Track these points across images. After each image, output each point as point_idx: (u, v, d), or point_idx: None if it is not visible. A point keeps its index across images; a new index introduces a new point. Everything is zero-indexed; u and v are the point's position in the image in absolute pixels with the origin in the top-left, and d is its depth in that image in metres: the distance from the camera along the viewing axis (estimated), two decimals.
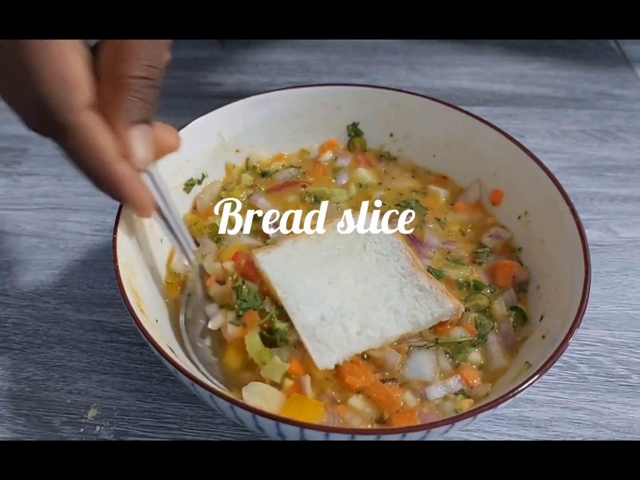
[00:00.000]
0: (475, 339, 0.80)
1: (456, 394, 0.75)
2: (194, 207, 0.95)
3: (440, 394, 0.75)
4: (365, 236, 0.86)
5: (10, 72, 0.60)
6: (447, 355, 0.78)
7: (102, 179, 0.65)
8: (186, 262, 0.81)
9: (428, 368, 0.76)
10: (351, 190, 0.98)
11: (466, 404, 0.73)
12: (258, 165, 1.02)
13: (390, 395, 0.74)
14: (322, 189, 0.97)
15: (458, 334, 0.79)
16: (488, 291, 0.85)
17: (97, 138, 0.62)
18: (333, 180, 1.01)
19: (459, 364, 0.78)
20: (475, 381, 0.76)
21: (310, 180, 1.00)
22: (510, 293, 0.85)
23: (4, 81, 0.62)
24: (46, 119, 0.61)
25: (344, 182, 1.00)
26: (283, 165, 1.02)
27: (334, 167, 1.03)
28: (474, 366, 0.78)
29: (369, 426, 0.72)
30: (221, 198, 0.95)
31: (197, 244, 0.87)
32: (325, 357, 0.74)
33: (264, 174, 1.00)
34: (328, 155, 1.04)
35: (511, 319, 0.82)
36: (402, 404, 0.74)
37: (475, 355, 0.79)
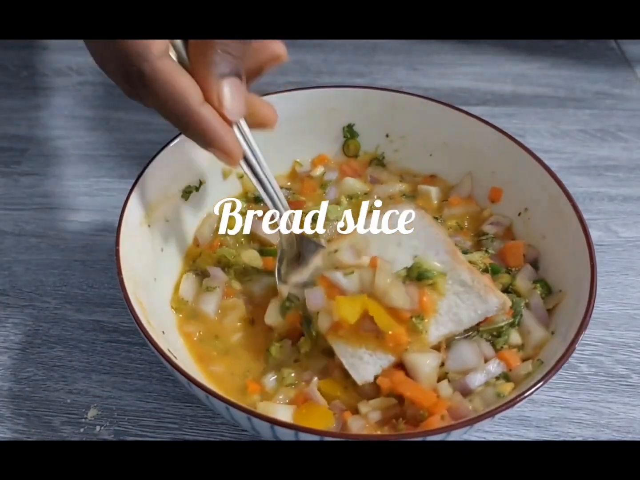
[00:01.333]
0: (512, 319, 0.79)
1: (497, 378, 0.73)
2: (196, 244, 0.93)
3: (482, 381, 0.73)
4: (399, 233, 0.81)
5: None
6: (489, 342, 0.77)
7: (188, 122, 0.67)
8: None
9: (472, 356, 0.75)
10: (343, 203, 0.97)
11: (508, 388, 0.71)
12: (250, 191, 0.99)
13: (423, 390, 0.72)
14: (316, 210, 0.94)
15: (499, 317, 0.78)
16: (505, 272, 0.85)
17: (178, 80, 0.65)
18: (324, 194, 1.00)
19: (501, 348, 0.77)
20: (514, 362, 0.75)
21: (302, 199, 0.98)
22: (528, 268, 0.85)
23: (98, 49, 0.69)
24: (130, 71, 0.65)
25: (332, 195, 0.99)
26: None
27: (322, 182, 1.01)
28: (514, 348, 0.77)
29: (373, 428, 0.71)
30: (219, 229, 0.93)
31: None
32: (361, 371, 0.72)
33: (257, 200, 0.98)
34: (319, 170, 1.02)
35: (538, 292, 0.82)
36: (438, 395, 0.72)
37: (515, 337, 0.78)
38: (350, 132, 1.04)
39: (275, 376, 0.77)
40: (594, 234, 1.04)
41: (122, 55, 0.64)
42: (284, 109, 0.99)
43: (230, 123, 0.69)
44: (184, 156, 0.91)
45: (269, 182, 0.77)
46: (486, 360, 0.75)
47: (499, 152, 0.93)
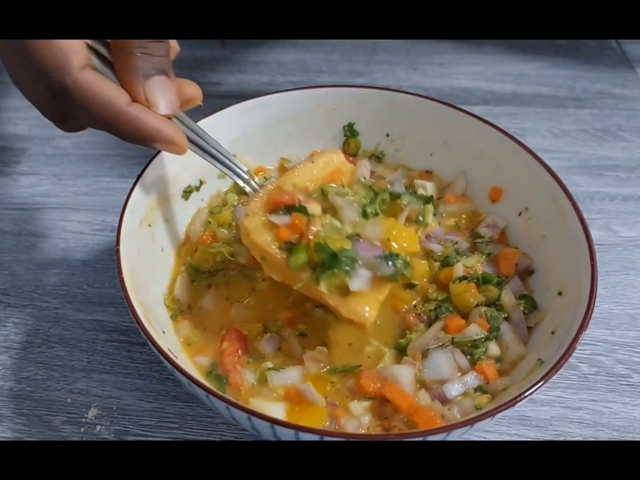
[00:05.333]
0: (489, 333, 0.79)
1: (475, 390, 0.75)
2: (188, 241, 0.93)
3: (459, 391, 0.74)
4: None
5: (15, 56, 0.67)
6: (465, 354, 0.78)
7: (120, 125, 0.67)
8: (241, 183, 0.81)
9: (446, 366, 0.76)
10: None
11: (484, 400, 0.73)
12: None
13: (406, 394, 0.73)
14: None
15: (473, 331, 0.79)
16: (496, 282, 0.85)
17: (102, 88, 0.66)
18: None
19: (479, 359, 0.77)
20: (492, 376, 0.76)
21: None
22: (516, 281, 0.86)
23: (15, 68, 0.70)
24: (52, 87, 0.66)
25: None
26: (264, 177, 1.00)
27: None
28: (492, 360, 0.78)
29: (365, 430, 0.72)
30: (209, 223, 0.93)
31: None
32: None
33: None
34: None
35: (521, 308, 0.82)
36: (418, 401, 0.73)
37: (493, 348, 0.79)
38: (350, 131, 1.04)
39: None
40: (595, 234, 1.04)
41: (41, 71, 0.65)
42: (284, 108, 0.99)
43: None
44: (185, 156, 0.90)
45: (223, 155, 0.79)
46: (461, 370, 0.77)
47: (499, 152, 0.93)
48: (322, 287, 0.72)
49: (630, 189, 1.14)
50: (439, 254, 0.89)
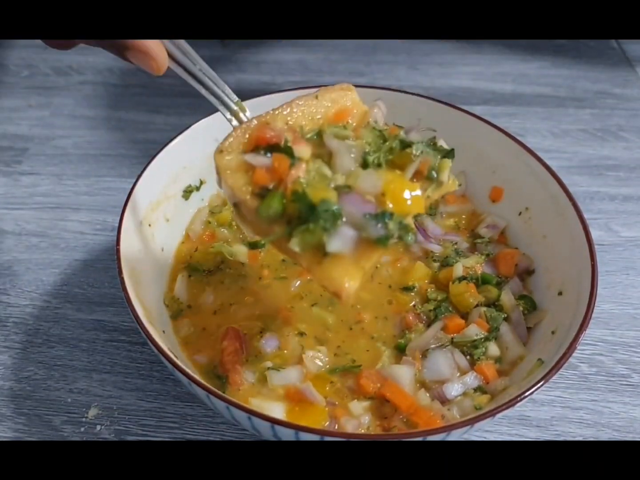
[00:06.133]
0: (488, 333, 0.80)
1: (475, 390, 0.75)
2: (187, 238, 0.93)
3: (459, 392, 0.74)
4: None
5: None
6: (465, 354, 0.78)
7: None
8: (228, 116, 0.71)
9: (446, 366, 0.76)
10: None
11: (484, 400, 0.73)
12: None
13: (406, 393, 0.74)
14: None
15: (472, 332, 0.79)
16: (495, 282, 0.86)
17: None
18: None
19: (479, 359, 0.78)
20: (491, 376, 0.76)
21: None
22: (516, 281, 0.86)
23: None
24: None
25: None
26: None
27: None
28: (491, 360, 0.78)
29: (364, 430, 0.72)
30: (209, 223, 0.94)
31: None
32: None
33: None
34: None
35: (521, 308, 0.82)
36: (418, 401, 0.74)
37: (493, 349, 0.79)
38: None
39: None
40: (595, 234, 1.04)
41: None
42: None
43: None
44: (185, 156, 0.91)
45: (210, 79, 0.70)
46: (461, 371, 0.77)
47: (499, 152, 0.93)
48: (294, 244, 0.59)
49: (631, 189, 1.14)
50: (438, 254, 0.89)
